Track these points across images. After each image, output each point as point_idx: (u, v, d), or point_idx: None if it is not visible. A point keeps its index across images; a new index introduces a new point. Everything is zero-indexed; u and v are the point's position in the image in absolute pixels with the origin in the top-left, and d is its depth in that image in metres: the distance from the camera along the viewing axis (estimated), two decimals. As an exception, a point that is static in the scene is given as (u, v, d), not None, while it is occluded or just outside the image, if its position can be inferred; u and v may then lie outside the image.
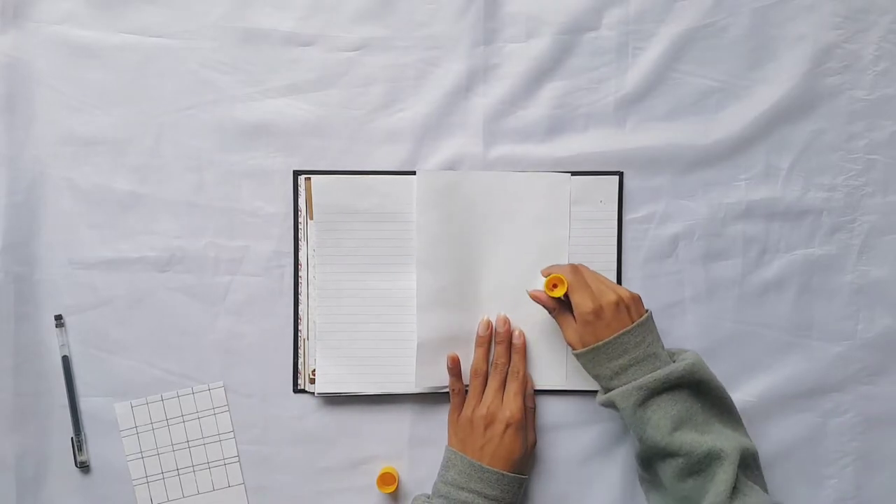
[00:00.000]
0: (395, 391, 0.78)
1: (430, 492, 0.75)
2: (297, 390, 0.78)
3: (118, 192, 0.78)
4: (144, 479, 0.78)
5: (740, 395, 0.78)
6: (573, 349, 0.70)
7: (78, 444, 0.77)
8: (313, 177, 0.78)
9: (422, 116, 0.78)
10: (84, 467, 0.78)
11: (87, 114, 0.78)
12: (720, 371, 0.78)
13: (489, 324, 0.77)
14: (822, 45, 0.78)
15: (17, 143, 0.78)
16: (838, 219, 0.79)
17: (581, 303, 0.69)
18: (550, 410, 0.78)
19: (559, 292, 0.71)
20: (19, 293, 0.78)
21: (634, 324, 0.68)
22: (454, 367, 0.76)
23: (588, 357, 0.69)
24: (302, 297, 0.78)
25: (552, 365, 0.78)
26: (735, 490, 0.63)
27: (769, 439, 0.78)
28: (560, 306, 0.72)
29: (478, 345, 0.77)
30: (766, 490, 0.67)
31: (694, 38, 0.78)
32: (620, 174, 0.78)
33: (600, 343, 0.68)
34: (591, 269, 0.73)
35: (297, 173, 0.78)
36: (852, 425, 0.78)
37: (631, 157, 0.78)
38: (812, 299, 0.79)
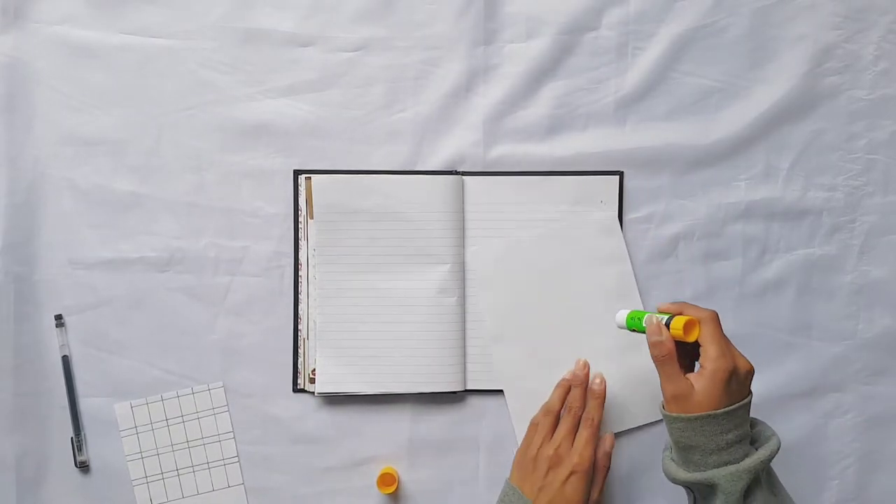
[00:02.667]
0: (395, 391, 0.78)
1: None
2: (296, 390, 0.78)
3: (118, 193, 0.78)
4: (144, 480, 0.78)
5: (740, 395, 0.78)
6: (670, 407, 0.62)
7: (78, 444, 0.77)
8: (314, 176, 0.78)
9: (422, 116, 0.78)
10: (84, 467, 0.78)
11: (88, 114, 0.78)
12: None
13: (586, 365, 0.74)
14: (822, 45, 0.78)
15: (17, 144, 0.78)
16: (838, 219, 0.79)
17: (718, 357, 0.60)
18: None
19: (692, 336, 0.62)
20: (19, 293, 0.78)
21: (747, 398, 0.61)
22: (560, 398, 0.72)
23: (694, 423, 0.60)
24: (302, 297, 0.78)
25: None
26: None
27: (769, 439, 0.78)
28: (675, 353, 0.63)
29: (558, 385, 0.74)
30: None
31: (694, 38, 0.78)
32: (620, 174, 0.78)
33: (719, 410, 0.59)
34: None
35: (297, 173, 0.78)
36: (853, 425, 0.78)
37: (631, 157, 0.78)
38: (812, 299, 0.79)
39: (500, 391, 0.78)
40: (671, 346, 0.62)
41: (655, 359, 0.63)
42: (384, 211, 0.78)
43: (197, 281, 0.78)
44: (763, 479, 0.62)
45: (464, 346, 0.78)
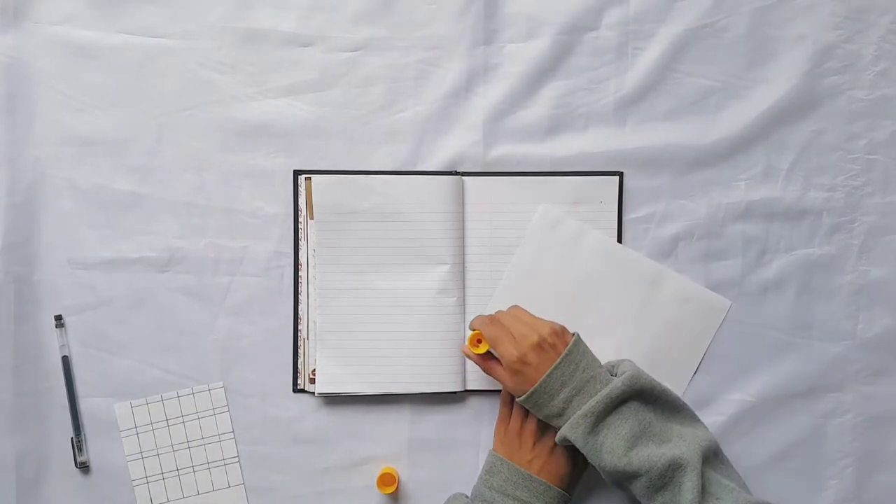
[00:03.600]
0: (394, 391, 0.78)
1: (466, 493, 0.74)
2: (296, 390, 0.78)
3: (118, 193, 0.78)
4: (144, 480, 0.78)
5: (740, 396, 0.78)
6: (516, 398, 0.69)
7: (78, 444, 0.77)
8: (314, 177, 0.78)
9: (422, 116, 0.78)
10: (84, 468, 0.78)
11: (88, 114, 0.78)
12: (720, 371, 0.78)
13: None
14: (822, 45, 0.78)
15: (18, 144, 0.78)
16: (838, 219, 0.79)
17: (504, 354, 0.68)
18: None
19: (483, 348, 0.71)
20: (19, 293, 0.78)
21: (560, 357, 0.67)
22: None
23: (529, 403, 0.68)
24: (302, 297, 0.78)
25: None
26: (707, 494, 0.62)
27: (769, 440, 0.78)
28: (487, 361, 0.71)
29: None
30: (739, 477, 0.66)
31: (694, 38, 0.78)
32: (620, 174, 0.78)
33: (535, 387, 0.67)
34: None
35: (297, 173, 0.78)
36: (853, 426, 0.78)
37: (631, 157, 0.78)
38: (812, 299, 0.79)
39: (500, 391, 0.77)
40: (479, 359, 0.71)
41: (485, 372, 0.72)
42: (384, 211, 0.78)
43: (197, 281, 0.78)
44: (626, 409, 0.65)
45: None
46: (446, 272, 0.78)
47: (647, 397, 0.67)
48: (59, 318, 0.78)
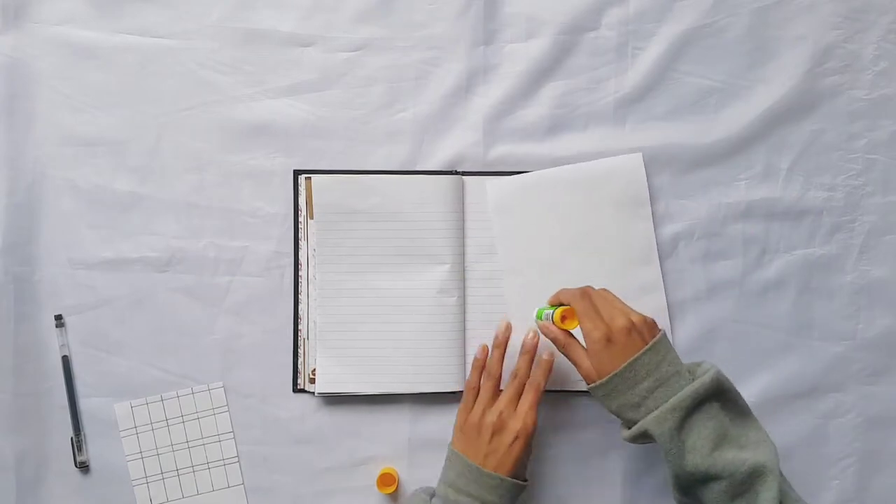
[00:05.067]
0: (395, 391, 0.78)
1: (433, 486, 0.74)
2: (296, 390, 0.78)
3: (118, 193, 0.78)
4: (144, 480, 0.78)
5: (741, 395, 0.78)
6: (588, 383, 0.66)
7: (78, 444, 0.77)
8: (314, 176, 0.78)
9: (422, 116, 0.78)
10: (84, 467, 0.78)
11: (88, 114, 0.78)
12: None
13: (509, 327, 0.76)
14: (822, 45, 0.78)
15: (18, 144, 0.78)
16: (838, 219, 0.79)
17: (591, 331, 0.65)
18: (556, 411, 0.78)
19: (571, 325, 0.67)
20: (19, 293, 0.78)
21: (648, 345, 0.64)
22: (481, 361, 0.74)
23: (606, 389, 0.64)
24: (302, 297, 0.78)
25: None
26: None
27: (770, 439, 0.78)
28: (570, 339, 0.68)
29: (495, 346, 0.75)
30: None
31: (694, 38, 0.78)
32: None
33: (617, 370, 0.63)
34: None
35: (297, 173, 0.78)
36: (854, 426, 0.78)
37: (631, 156, 0.78)
38: (812, 299, 0.79)
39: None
40: (562, 335, 0.68)
41: (560, 350, 0.69)
42: (384, 211, 0.78)
43: (197, 281, 0.78)
44: (709, 409, 0.62)
45: (464, 346, 0.78)
46: (446, 272, 0.78)
47: (727, 400, 0.63)
48: (59, 317, 0.78)
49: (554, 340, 0.69)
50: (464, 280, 0.79)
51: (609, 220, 0.77)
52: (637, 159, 0.77)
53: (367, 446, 0.78)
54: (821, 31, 0.78)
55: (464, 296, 0.79)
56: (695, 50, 0.78)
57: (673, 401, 0.61)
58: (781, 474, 0.61)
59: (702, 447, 0.61)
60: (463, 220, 0.78)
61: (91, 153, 0.78)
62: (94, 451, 0.78)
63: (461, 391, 0.78)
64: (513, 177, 0.78)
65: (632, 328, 0.64)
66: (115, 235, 0.78)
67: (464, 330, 0.78)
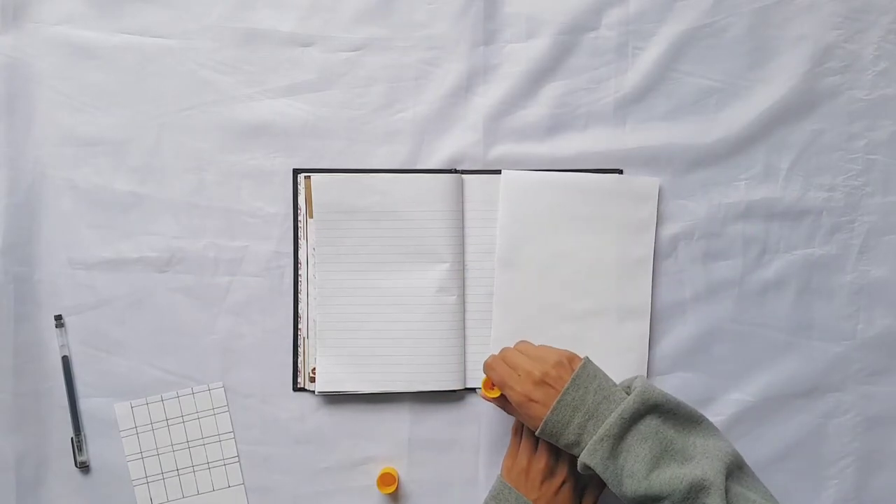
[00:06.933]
0: (394, 389, 0.78)
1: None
2: (296, 389, 0.78)
3: (118, 193, 0.78)
4: (144, 480, 0.78)
5: (740, 396, 0.78)
6: (536, 433, 0.66)
7: (78, 444, 0.77)
8: (313, 175, 0.78)
9: (422, 116, 0.78)
10: (84, 467, 0.78)
11: (88, 114, 0.78)
12: (720, 371, 0.78)
13: None
14: (822, 45, 0.78)
15: (18, 144, 0.78)
16: (838, 219, 0.79)
17: (511, 395, 0.66)
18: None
19: (495, 392, 0.69)
20: (19, 293, 0.78)
21: (565, 386, 0.64)
22: None
23: (546, 435, 0.65)
24: (302, 296, 0.78)
25: None
26: None
27: (769, 440, 0.78)
28: (505, 402, 0.69)
29: None
30: (764, 488, 0.63)
31: (694, 38, 0.78)
32: (620, 173, 0.78)
33: (546, 417, 0.64)
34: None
35: (296, 171, 0.78)
36: (853, 425, 0.78)
37: (631, 156, 0.78)
38: (812, 299, 0.79)
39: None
40: (498, 402, 0.70)
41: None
42: (384, 210, 0.78)
43: (197, 281, 0.78)
44: (645, 428, 0.62)
45: (464, 345, 0.78)
46: (446, 271, 0.78)
47: (663, 411, 0.63)
48: (59, 317, 0.78)
49: (496, 406, 0.71)
50: (463, 279, 0.79)
51: (612, 238, 0.77)
52: (654, 185, 0.77)
53: (367, 446, 0.78)
54: (821, 31, 0.78)
55: (463, 295, 0.79)
56: (695, 50, 0.78)
57: (601, 431, 0.62)
58: (737, 474, 0.61)
59: (638, 471, 0.61)
60: (462, 219, 0.78)
61: (91, 153, 0.78)
62: (94, 451, 0.78)
63: (461, 390, 0.78)
64: (530, 172, 0.78)
65: (545, 377, 0.65)
66: (115, 235, 0.78)
67: (463, 329, 0.78)
